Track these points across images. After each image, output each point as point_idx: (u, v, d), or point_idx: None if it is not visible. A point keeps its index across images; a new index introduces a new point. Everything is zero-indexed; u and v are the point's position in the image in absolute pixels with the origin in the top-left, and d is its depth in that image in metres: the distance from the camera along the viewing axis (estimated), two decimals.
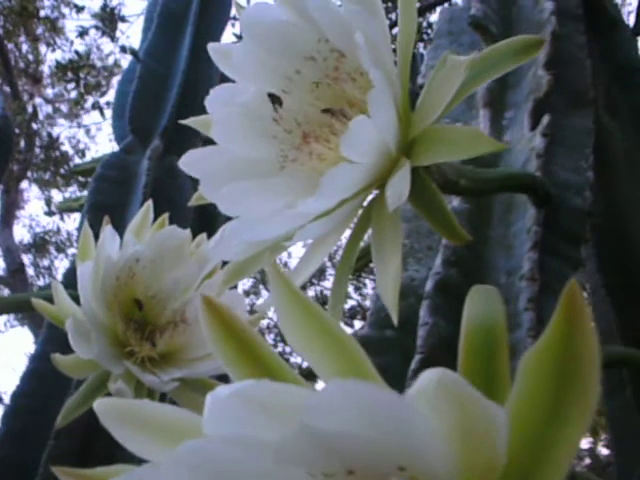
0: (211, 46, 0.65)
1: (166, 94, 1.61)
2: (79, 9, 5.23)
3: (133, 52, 1.64)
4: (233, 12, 2.12)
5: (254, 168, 0.63)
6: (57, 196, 6.37)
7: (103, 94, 5.59)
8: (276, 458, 0.26)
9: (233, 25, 3.42)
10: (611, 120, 1.39)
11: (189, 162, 0.65)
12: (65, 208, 2.16)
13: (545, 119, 0.94)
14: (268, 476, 0.29)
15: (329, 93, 0.62)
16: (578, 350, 0.24)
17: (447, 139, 0.51)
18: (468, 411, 0.23)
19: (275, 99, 0.64)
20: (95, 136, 6.31)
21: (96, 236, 1.14)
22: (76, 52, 5.29)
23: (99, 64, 5.76)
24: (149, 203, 0.89)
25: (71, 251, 6.00)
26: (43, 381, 1.12)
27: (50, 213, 5.45)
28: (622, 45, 1.52)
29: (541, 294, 0.81)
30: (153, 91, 1.61)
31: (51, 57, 6.18)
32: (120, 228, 0.89)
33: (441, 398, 0.23)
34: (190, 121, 0.71)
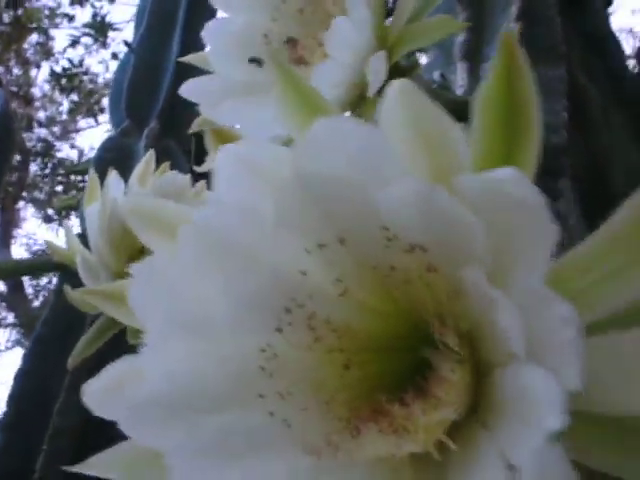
0: None
1: (160, 81, 1.66)
2: (70, 18, 5.34)
3: (127, 43, 1.70)
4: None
5: (247, 89, 0.69)
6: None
7: (96, 102, 5.68)
8: (276, 222, 0.32)
9: None
10: (587, 80, 1.46)
11: (189, 88, 0.70)
12: (64, 206, 2.21)
13: None
14: (268, 248, 0.34)
15: (313, 18, 0.68)
16: (520, 76, 0.29)
17: (419, 30, 0.57)
18: (437, 141, 0.28)
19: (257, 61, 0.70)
20: (88, 155, 6.36)
21: None
22: (69, 60, 5.38)
23: (90, 75, 5.84)
24: (151, 152, 0.94)
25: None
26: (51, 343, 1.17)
27: (48, 219, 5.50)
28: (594, 14, 1.59)
29: None
30: (148, 78, 1.66)
31: (42, 77, 6.26)
32: None
33: (404, 114, 0.28)
34: (190, 58, 0.76)
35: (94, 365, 1.14)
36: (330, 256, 0.34)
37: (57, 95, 6.39)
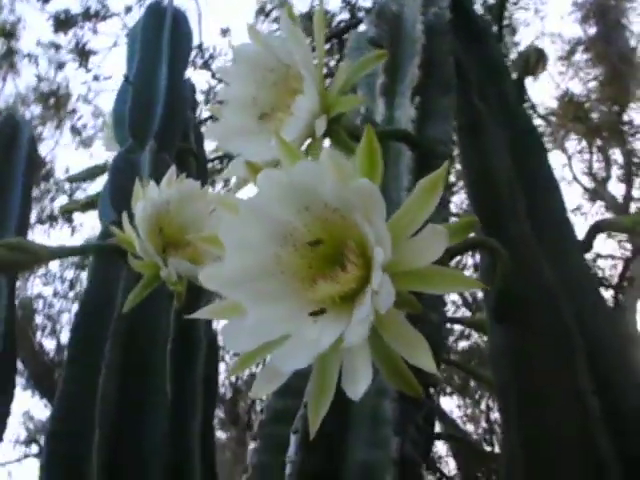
0: (218, 68, 1.19)
1: (154, 108, 2.14)
2: (57, 47, 5.82)
3: (126, 78, 2.16)
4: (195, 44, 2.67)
5: (244, 130, 1.16)
6: None
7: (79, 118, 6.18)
8: (280, 197, 0.79)
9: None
10: (482, 104, 1.96)
11: (209, 130, 1.18)
12: (67, 210, 2.65)
13: (417, 99, 1.50)
14: (278, 213, 0.81)
15: (285, 89, 1.16)
16: (372, 147, 0.78)
17: (341, 101, 1.05)
18: (342, 170, 0.77)
19: None
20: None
21: (118, 211, 1.67)
22: (56, 83, 5.84)
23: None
24: (173, 167, 1.41)
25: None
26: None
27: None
28: (489, 50, 2.10)
29: None
30: (144, 106, 2.13)
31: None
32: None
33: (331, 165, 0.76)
34: (210, 109, 1.23)
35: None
36: (302, 215, 0.82)
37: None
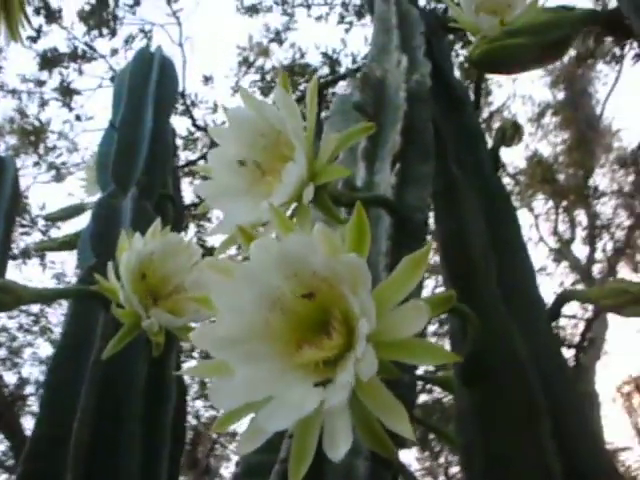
0: (211, 130, 1.24)
1: (137, 155, 2.18)
2: (42, 83, 5.87)
3: (112, 124, 2.20)
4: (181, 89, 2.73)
5: (233, 190, 1.21)
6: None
7: (58, 156, 6.22)
8: (270, 263, 0.84)
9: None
10: (458, 170, 2.03)
11: (198, 187, 1.22)
12: (42, 248, 2.66)
13: (397, 166, 1.56)
14: (269, 278, 0.86)
15: (274, 154, 1.21)
16: (362, 223, 0.83)
17: (328, 170, 1.11)
18: (332, 243, 0.82)
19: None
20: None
21: (98, 256, 1.70)
22: (38, 120, 5.88)
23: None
24: (158, 219, 1.45)
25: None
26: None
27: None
28: (467, 117, 2.19)
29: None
30: (128, 153, 2.18)
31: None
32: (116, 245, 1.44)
33: (320, 238, 0.81)
34: (197, 168, 1.28)
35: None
36: (290, 281, 0.87)
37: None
